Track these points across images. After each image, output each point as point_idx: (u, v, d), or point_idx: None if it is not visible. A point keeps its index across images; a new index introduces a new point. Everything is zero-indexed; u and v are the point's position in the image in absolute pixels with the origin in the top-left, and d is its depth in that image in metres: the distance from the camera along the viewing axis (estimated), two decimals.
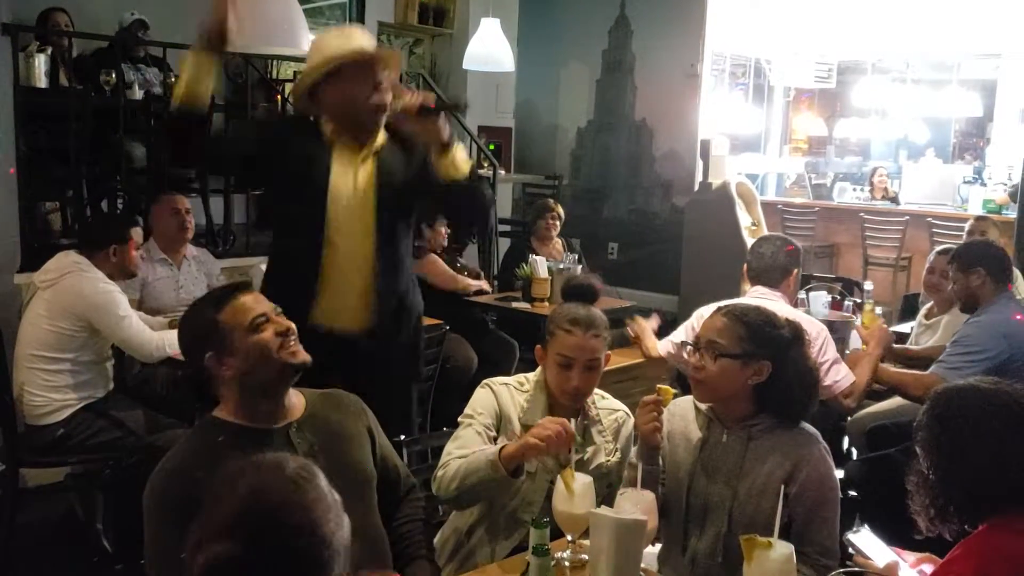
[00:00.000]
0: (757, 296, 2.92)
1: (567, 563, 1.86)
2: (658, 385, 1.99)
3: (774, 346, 1.95)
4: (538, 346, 2.24)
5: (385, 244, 2.59)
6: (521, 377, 2.29)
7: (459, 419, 2.21)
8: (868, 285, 3.95)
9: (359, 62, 2.46)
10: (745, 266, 3.13)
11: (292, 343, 1.79)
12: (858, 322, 3.67)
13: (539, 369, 2.26)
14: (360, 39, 2.51)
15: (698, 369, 1.98)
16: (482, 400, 2.22)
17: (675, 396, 2.05)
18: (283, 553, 1.07)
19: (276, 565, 1.07)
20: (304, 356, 1.80)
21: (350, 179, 2.54)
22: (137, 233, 3.39)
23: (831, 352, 2.86)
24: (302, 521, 1.09)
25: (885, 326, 3.17)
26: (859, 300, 4.26)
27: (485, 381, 2.28)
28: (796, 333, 2.00)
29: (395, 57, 2.65)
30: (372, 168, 2.56)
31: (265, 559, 1.06)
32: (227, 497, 1.11)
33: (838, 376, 2.83)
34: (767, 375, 1.94)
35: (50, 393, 3.15)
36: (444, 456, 2.10)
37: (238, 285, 1.84)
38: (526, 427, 2.12)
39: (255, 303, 1.79)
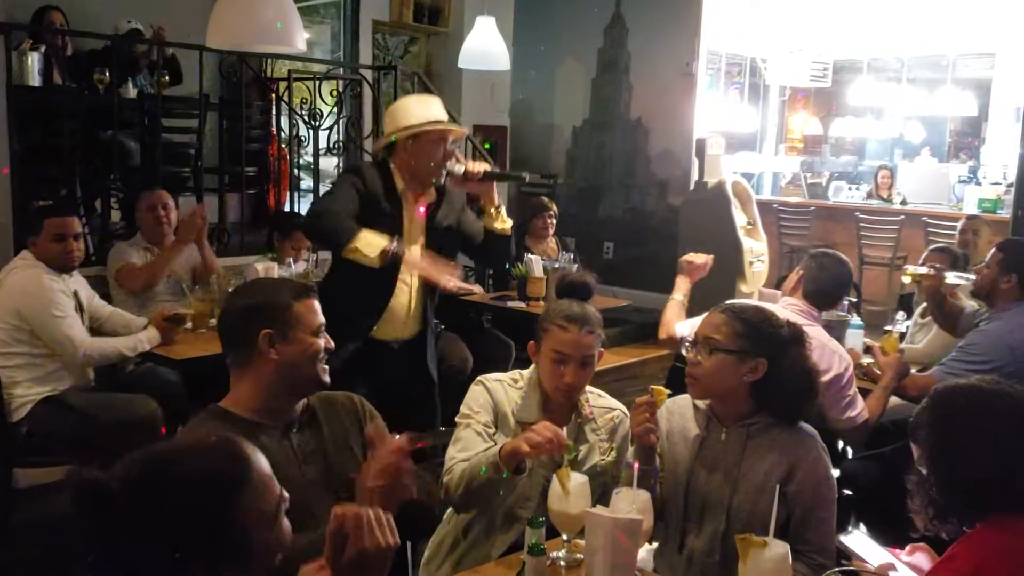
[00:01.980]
0: (797, 312, 2.85)
1: (563, 563, 1.86)
2: (651, 386, 1.99)
3: (771, 344, 1.95)
4: (531, 342, 2.24)
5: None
6: (515, 373, 2.28)
7: (456, 419, 2.21)
8: (900, 315, 3.81)
9: (435, 132, 2.97)
10: (801, 275, 3.01)
11: (325, 362, 1.85)
12: (856, 326, 3.64)
13: (533, 366, 2.25)
14: (439, 110, 3.04)
15: (694, 365, 1.99)
16: (477, 397, 2.22)
17: (669, 396, 2.05)
18: (158, 502, 1.01)
19: (150, 513, 1.01)
20: (327, 378, 1.86)
21: (412, 222, 3.06)
22: (56, 224, 3.30)
23: (854, 387, 2.84)
24: (195, 480, 1.05)
25: (903, 357, 3.12)
26: (854, 299, 4.25)
27: (479, 378, 2.28)
28: (795, 334, 2.00)
29: (463, 131, 3.23)
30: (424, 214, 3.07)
31: (140, 500, 1.00)
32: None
33: (855, 411, 2.81)
34: (763, 373, 1.94)
35: (11, 389, 3.18)
36: (448, 461, 2.10)
37: (313, 289, 1.88)
38: (520, 423, 2.12)
39: (320, 313, 1.85)
